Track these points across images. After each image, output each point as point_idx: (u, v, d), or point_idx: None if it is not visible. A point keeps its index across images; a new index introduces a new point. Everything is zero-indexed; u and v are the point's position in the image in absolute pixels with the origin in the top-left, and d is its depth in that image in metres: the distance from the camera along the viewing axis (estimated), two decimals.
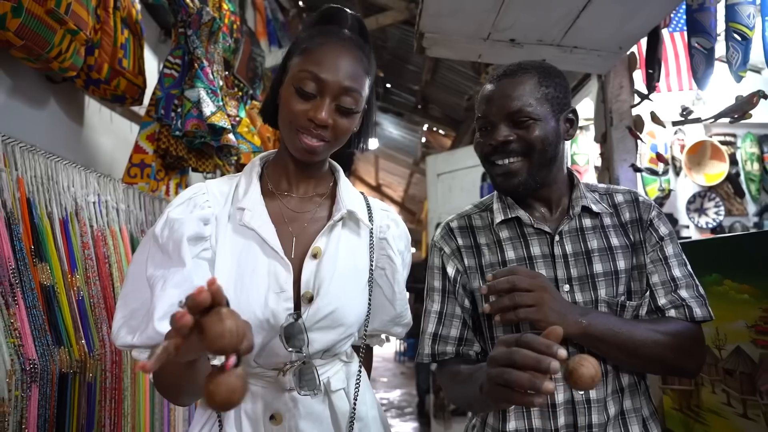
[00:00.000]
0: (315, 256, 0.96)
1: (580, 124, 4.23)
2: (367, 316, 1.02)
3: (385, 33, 5.54)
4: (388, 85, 7.36)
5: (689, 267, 1.08)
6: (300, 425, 0.93)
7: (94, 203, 1.44)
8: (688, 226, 3.88)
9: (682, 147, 3.83)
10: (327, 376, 0.97)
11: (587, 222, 1.08)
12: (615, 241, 1.07)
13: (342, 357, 1.02)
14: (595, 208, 1.08)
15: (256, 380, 0.95)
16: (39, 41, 1.37)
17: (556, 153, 1.07)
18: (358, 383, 1.02)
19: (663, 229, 1.08)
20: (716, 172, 3.80)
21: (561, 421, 0.99)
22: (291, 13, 5.40)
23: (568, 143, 4.30)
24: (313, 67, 0.92)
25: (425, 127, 7.98)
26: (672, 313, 1.03)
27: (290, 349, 0.90)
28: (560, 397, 1.00)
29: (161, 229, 0.89)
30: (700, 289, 1.07)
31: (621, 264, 1.05)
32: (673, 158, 3.88)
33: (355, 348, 1.08)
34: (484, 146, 1.09)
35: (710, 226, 3.82)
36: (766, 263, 1.25)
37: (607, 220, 1.09)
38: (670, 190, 3.32)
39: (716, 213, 3.85)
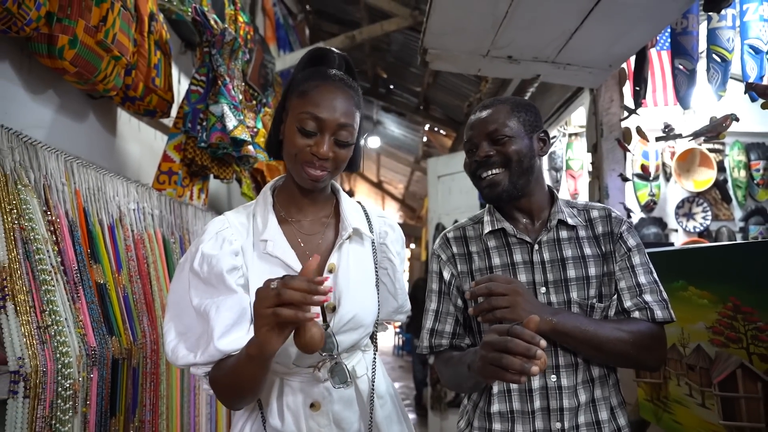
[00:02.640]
0: (331, 271, 1.12)
1: (574, 131, 4.40)
2: (378, 311, 1.20)
3: (389, 37, 5.69)
4: (392, 86, 7.53)
5: (655, 275, 1.23)
6: (335, 409, 1.10)
7: (134, 210, 1.63)
8: (676, 230, 4.04)
9: (672, 154, 3.97)
10: (352, 365, 1.14)
11: (563, 233, 1.25)
12: (588, 250, 1.23)
13: (361, 348, 1.20)
14: (570, 221, 1.25)
15: (295, 377, 1.11)
16: (89, 68, 1.55)
17: (532, 165, 1.24)
18: (374, 367, 1.19)
19: (631, 241, 1.24)
20: (704, 178, 3.94)
21: (537, 404, 1.17)
22: (299, 18, 5.55)
23: (562, 152, 4.44)
24: (312, 108, 1.05)
25: (426, 126, 8.16)
26: (636, 314, 1.18)
27: (324, 353, 1.07)
28: (536, 383, 1.17)
29: (199, 264, 1.04)
30: (664, 294, 1.21)
31: (592, 271, 1.21)
32: (663, 165, 4.05)
33: (370, 337, 1.25)
34: (471, 164, 1.28)
35: (698, 230, 3.98)
36: (721, 273, 1.44)
37: (582, 233, 1.26)
38: (654, 201, 3.51)
39: (704, 218, 4.00)
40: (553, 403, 1.16)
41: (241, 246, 1.09)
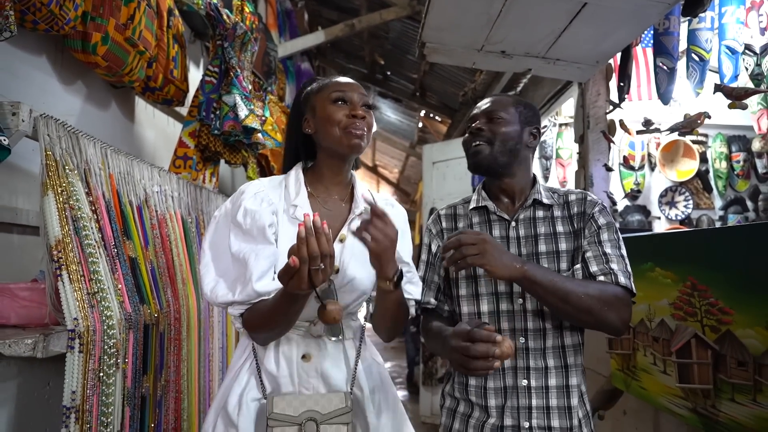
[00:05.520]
0: (341, 240, 1.30)
1: (565, 122, 4.55)
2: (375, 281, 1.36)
3: (388, 25, 5.80)
4: (388, 73, 7.64)
5: (623, 251, 1.35)
6: (323, 363, 1.27)
7: (157, 192, 1.78)
8: (659, 218, 4.22)
9: (658, 145, 4.14)
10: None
11: (539, 213, 1.41)
12: (560, 228, 1.38)
13: (353, 316, 1.37)
14: (546, 201, 1.40)
15: (293, 330, 1.26)
16: (118, 62, 1.70)
17: (516, 149, 1.40)
18: (362, 334, 1.38)
19: (602, 220, 1.36)
20: (687, 168, 4.10)
21: (506, 362, 1.32)
22: (299, 5, 5.64)
23: (552, 141, 4.59)
24: (336, 86, 1.29)
25: (422, 113, 8.29)
26: (601, 278, 1.27)
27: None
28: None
29: (243, 217, 1.21)
30: (628, 267, 1.33)
31: (563, 246, 1.36)
32: (648, 155, 4.22)
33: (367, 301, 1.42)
34: (467, 137, 1.45)
35: (679, 218, 4.16)
36: (681, 255, 1.62)
37: (557, 212, 1.41)
38: (636, 190, 3.68)
39: (685, 206, 4.18)
40: (520, 362, 1.32)
41: (276, 207, 1.27)
